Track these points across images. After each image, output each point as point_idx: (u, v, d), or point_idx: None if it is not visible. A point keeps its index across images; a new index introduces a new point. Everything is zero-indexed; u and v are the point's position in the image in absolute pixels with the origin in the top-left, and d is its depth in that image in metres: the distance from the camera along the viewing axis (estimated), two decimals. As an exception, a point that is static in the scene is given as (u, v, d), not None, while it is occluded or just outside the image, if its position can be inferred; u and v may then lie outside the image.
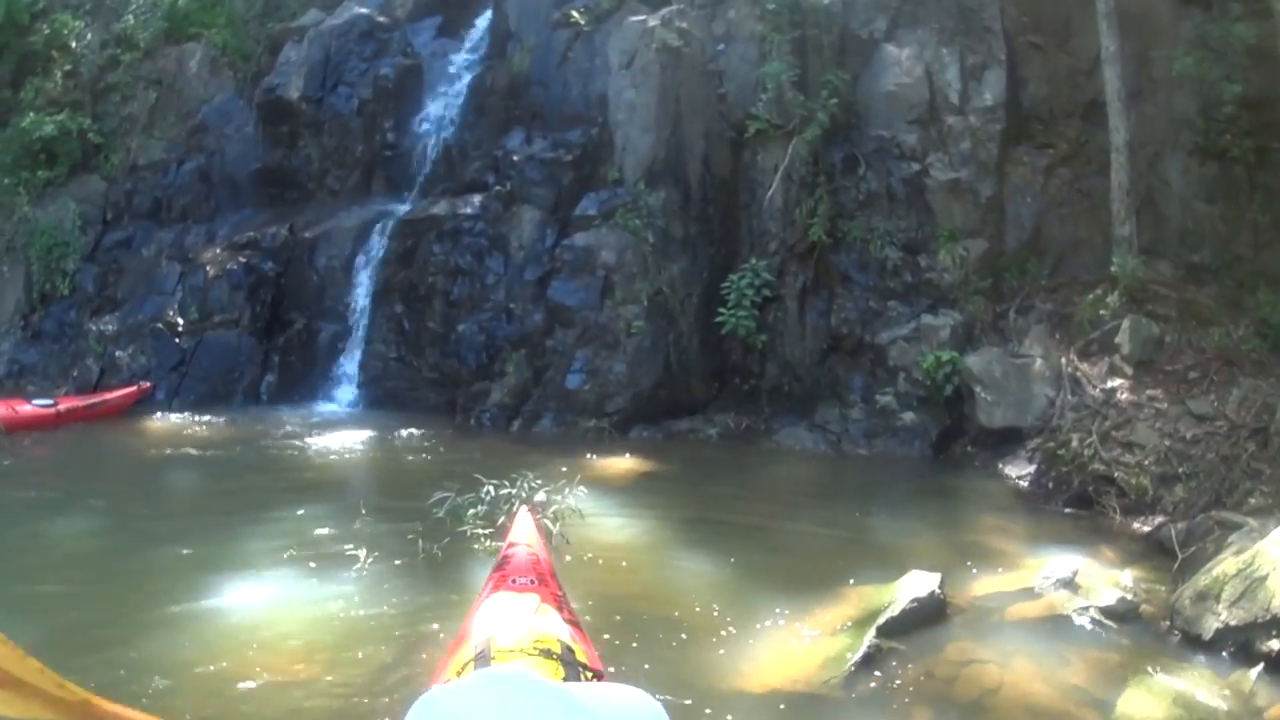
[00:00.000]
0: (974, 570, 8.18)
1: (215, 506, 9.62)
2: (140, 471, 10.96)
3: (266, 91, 15.39)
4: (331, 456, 11.56)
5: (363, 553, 7.81)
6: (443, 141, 14.57)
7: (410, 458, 11.60)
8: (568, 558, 8.09)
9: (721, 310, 13.28)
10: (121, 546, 8.52)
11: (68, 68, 16.05)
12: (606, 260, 13.11)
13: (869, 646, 6.60)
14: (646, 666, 6.28)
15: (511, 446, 12.09)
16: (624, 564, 8.29)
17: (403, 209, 14.19)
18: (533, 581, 5.18)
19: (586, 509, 8.83)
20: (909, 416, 12.55)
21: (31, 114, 15.38)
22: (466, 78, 14.95)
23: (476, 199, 13.73)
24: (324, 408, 13.58)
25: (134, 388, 13.10)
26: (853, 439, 12.59)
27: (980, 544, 9.04)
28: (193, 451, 11.61)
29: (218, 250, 14.30)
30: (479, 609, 4.95)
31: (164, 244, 15.18)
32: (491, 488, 8.64)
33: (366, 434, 12.31)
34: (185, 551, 8.14)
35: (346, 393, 13.75)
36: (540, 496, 8.80)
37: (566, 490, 8.90)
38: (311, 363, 13.93)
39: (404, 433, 12.38)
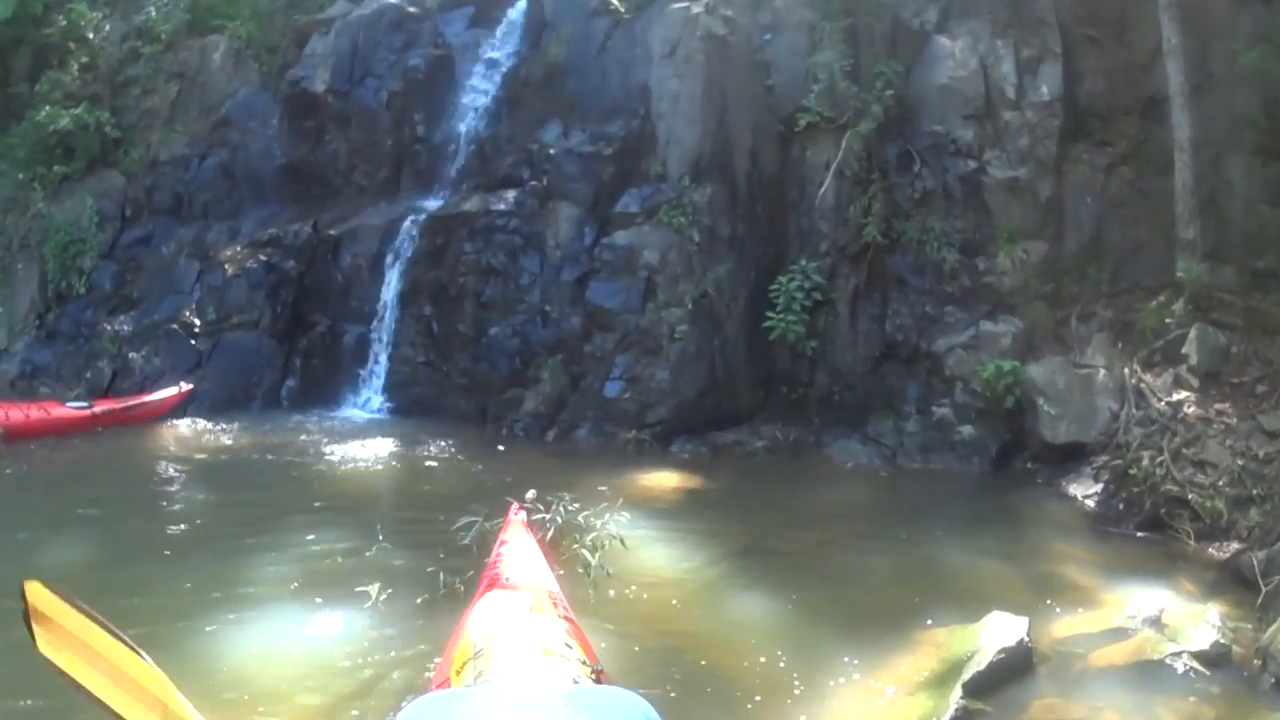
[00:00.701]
0: (1055, 608, 7.47)
1: (220, 525, 8.70)
2: (144, 483, 10.07)
3: (291, 84, 14.48)
4: (352, 469, 10.64)
5: (375, 588, 6.83)
6: (475, 135, 13.57)
7: (436, 471, 10.67)
8: (611, 592, 7.13)
9: (770, 314, 12.30)
10: (111, 568, 7.66)
11: (84, 60, 15.15)
12: (649, 260, 12.11)
13: (956, 710, 5.80)
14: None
15: (545, 459, 11.15)
16: (674, 601, 7.37)
17: (433, 205, 13.19)
18: (526, 579, 5.12)
19: (628, 535, 7.83)
20: (967, 430, 11.61)
21: (47, 107, 14.48)
22: (500, 69, 13.95)
23: (510, 195, 12.73)
24: (347, 414, 12.65)
25: (175, 391, 12.17)
26: (908, 453, 11.66)
27: (1054, 575, 8.34)
28: (204, 461, 10.74)
29: (238, 248, 13.38)
30: (474, 608, 4.84)
31: (184, 241, 14.27)
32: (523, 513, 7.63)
33: (391, 444, 11.37)
34: (180, 577, 7.30)
35: (371, 399, 12.80)
36: (577, 520, 7.81)
37: (607, 515, 7.87)
38: (335, 367, 12.99)
39: (431, 443, 11.43)
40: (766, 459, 11.67)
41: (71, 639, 3.24)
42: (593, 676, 4.14)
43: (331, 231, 13.35)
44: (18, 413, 11.44)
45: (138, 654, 3.33)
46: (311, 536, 8.17)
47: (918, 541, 9.02)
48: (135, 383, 12.47)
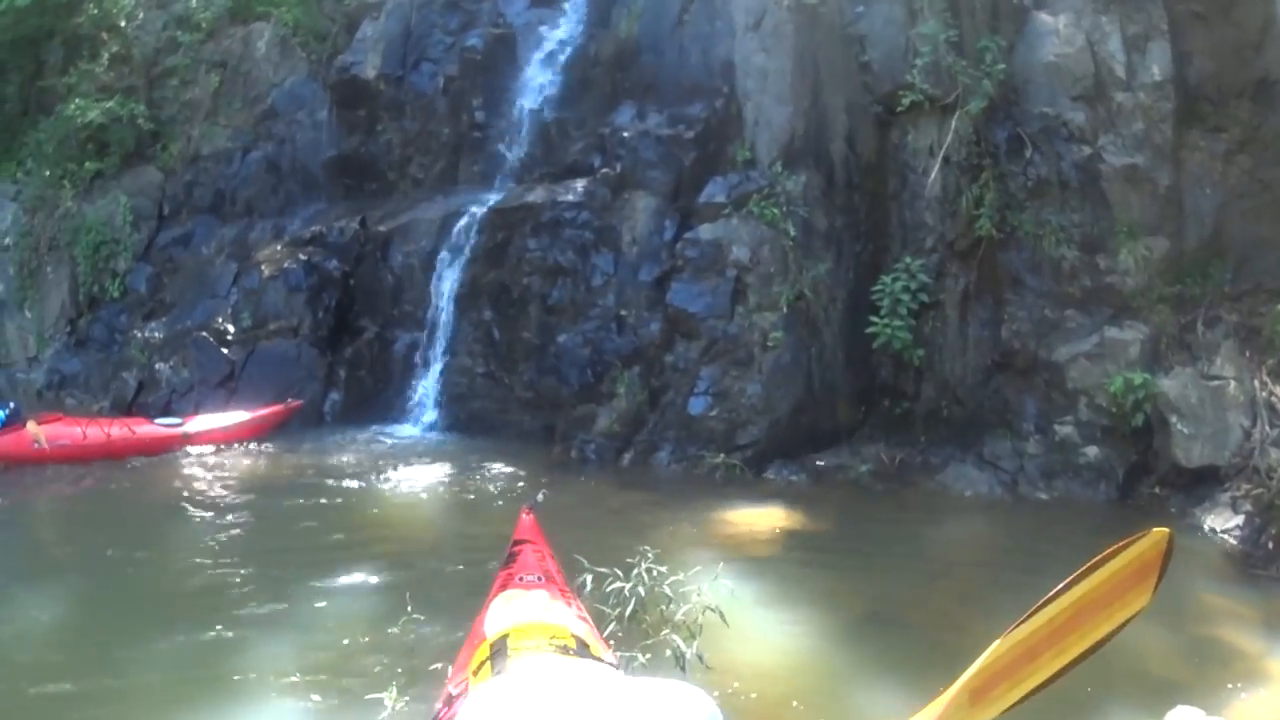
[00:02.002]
0: (1237, 690, 6.18)
1: (222, 580, 7.07)
2: (148, 519, 8.59)
3: (340, 71, 12.79)
4: (393, 502, 8.97)
5: (391, 696, 5.01)
6: (539, 120, 11.81)
7: (492, 505, 8.90)
8: (715, 693, 5.24)
9: (874, 319, 10.40)
10: (78, 634, 6.20)
11: (116, 50, 13.57)
12: (738, 257, 10.26)
13: None
14: None
15: (620, 491, 9.39)
16: (794, 703, 5.65)
17: (493, 198, 11.42)
18: (540, 579, 4.94)
19: (727, 601, 5.92)
20: (1093, 452, 9.87)
21: (77, 100, 12.95)
22: (566, 48, 12.21)
23: (580, 184, 10.94)
24: (398, 432, 10.94)
25: (281, 405, 10.66)
26: (1029, 479, 9.87)
27: (1215, 640, 7.00)
28: (224, 491, 9.12)
29: (277, 248, 11.69)
30: (489, 608, 4.65)
31: (226, 241, 12.67)
32: (589, 578, 5.76)
33: (443, 469, 9.68)
34: (157, 653, 5.83)
35: (424, 414, 11.07)
36: (663, 588, 5.94)
37: (703, 584, 5.96)
38: (384, 378, 11.29)
39: (489, 468, 9.71)
40: (873, 487, 9.84)
41: None
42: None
43: (381, 228, 11.65)
44: (96, 430, 10.02)
45: None
46: (325, 603, 6.51)
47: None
48: (162, 396, 10.86)
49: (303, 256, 11.35)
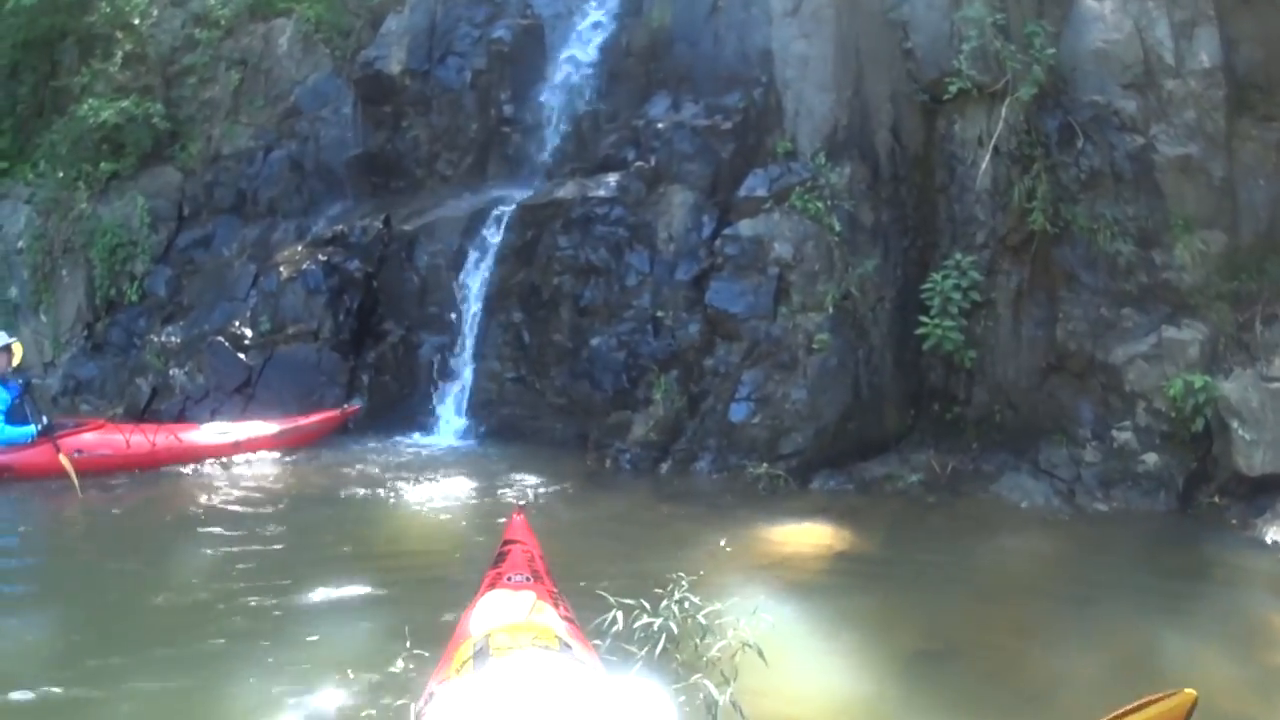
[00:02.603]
0: None
1: (211, 606, 6.39)
2: (144, 535, 7.94)
3: (364, 67, 12.12)
4: (413, 517, 8.26)
5: None
6: (570, 113, 11.10)
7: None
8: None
9: (924, 319, 9.66)
10: (47, 669, 5.45)
11: (129, 48, 12.97)
12: (780, 254, 9.52)
13: None
14: None
15: (656, 503, 8.64)
16: None
17: (522, 194, 10.72)
18: (528, 579, 4.85)
19: (767, 636, 5.18)
20: (1151, 459, 9.13)
21: (91, 100, 12.35)
22: (597, 38, 11.47)
23: (612, 179, 10.19)
24: (424, 441, 10.22)
25: (336, 411, 10.06)
26: (1087, 489, 9.12)
27: None
28: (230, 505, 8.43)
29: (298, 248, 11.02)
30: (475, 607, 4.53)
31: (247, 242, 12.04)
32: (619, 615, 5.04)
33: (469, 481, 8.95)
34: (126, 693, 5.15)
35: (452, 422, 10.36)
36: (698, 619, 5.19)
37: (741, 617, 5.22)
38: (409, 384, 10.58)
39: (518, 478, 8.97)
40: (924, 498, 9.07)
41: None
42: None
43: (406, 227, 10.94)
44: (140, 439, 9.41)
45: None
46: (317, 637, 5.77)
47: (1125, 623, 6.67)
48: (175, 403, 10.17)
49: (322, 257, 10.65)
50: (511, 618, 4.27)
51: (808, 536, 7.96)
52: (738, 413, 9.24)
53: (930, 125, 10.49)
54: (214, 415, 10.01)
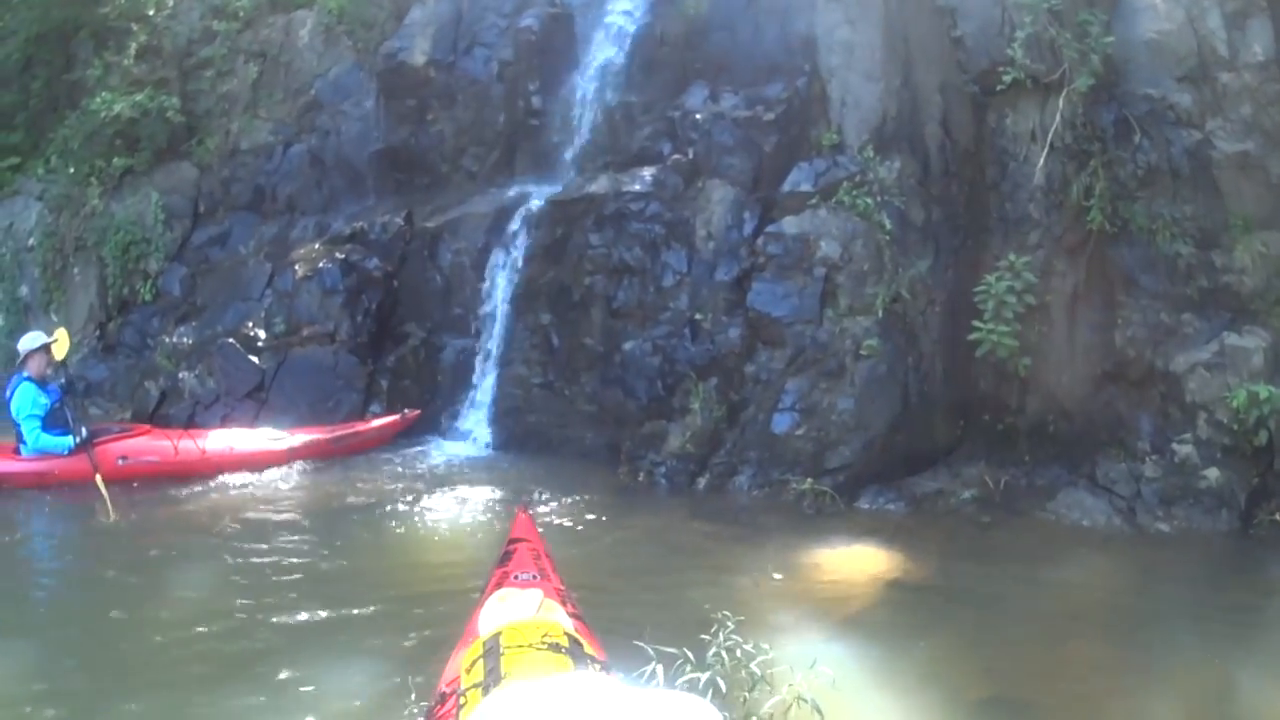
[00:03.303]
0: None
1: (201, 633, 5.77)
2: (136, 551, 7.19)
3: (387, 58, 11.33)
4: (428, 536, 7.53)
5: None
6: (602, 104, 10.29)
7: (550, 541, 7.32)
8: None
9: (977, 324, 8.82)
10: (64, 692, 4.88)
11: (144, 39, 12.25)
12: (827, 254, 8.74)
13: None
14: None
15: (693, 522, 7.88)
16: None
17: (552, 190, 9.94)
18: (535, 577, 4.74)
19: (823, 685, 4.52)
20: (1213, 474, 8.38)
21: (104, 93, 11.66)
22: (630, 27, 10.64)
23: (648, 173, 9.40)
24: (445, 449, 9.47)
25: (396, 416, 9.36)
26: (1148, 506, 8.33)
27: None
28: (236, 520, 7.70)
29: (315, 246, 10.27)
30: (484, 606, 4.42)
31: (265, 240, 11.32)
32: (658, 669, 4.38)
33: (492, 494, 8.22)
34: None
35: (476, 430, 9.60)
36: (750, 667, 4.55)
37: (796, 672, 4.52)
38: (430, 389, 9.82)
39: (545, 492, 8.20)
40: (978, 517, 8.28)
41: None
42: (602, 673, 3.62)
43: (428, 223, 10.18)
44: (190, 444, 8.71)
45: None
46: (309, 685, 5.08)
47: (1198, 661, 6.08)
48: (184, 407, 9.43)
49: (340, 255, 9.88)
50: (520, 615, 4.17)
51: (859, 563, 7.19)
52: (781, 423, 8.45)
53: (980, 118, 9.61)
54: (224, 421, 9.29)
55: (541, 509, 7.84)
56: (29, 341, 8.81)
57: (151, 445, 8.68)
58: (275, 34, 12.37)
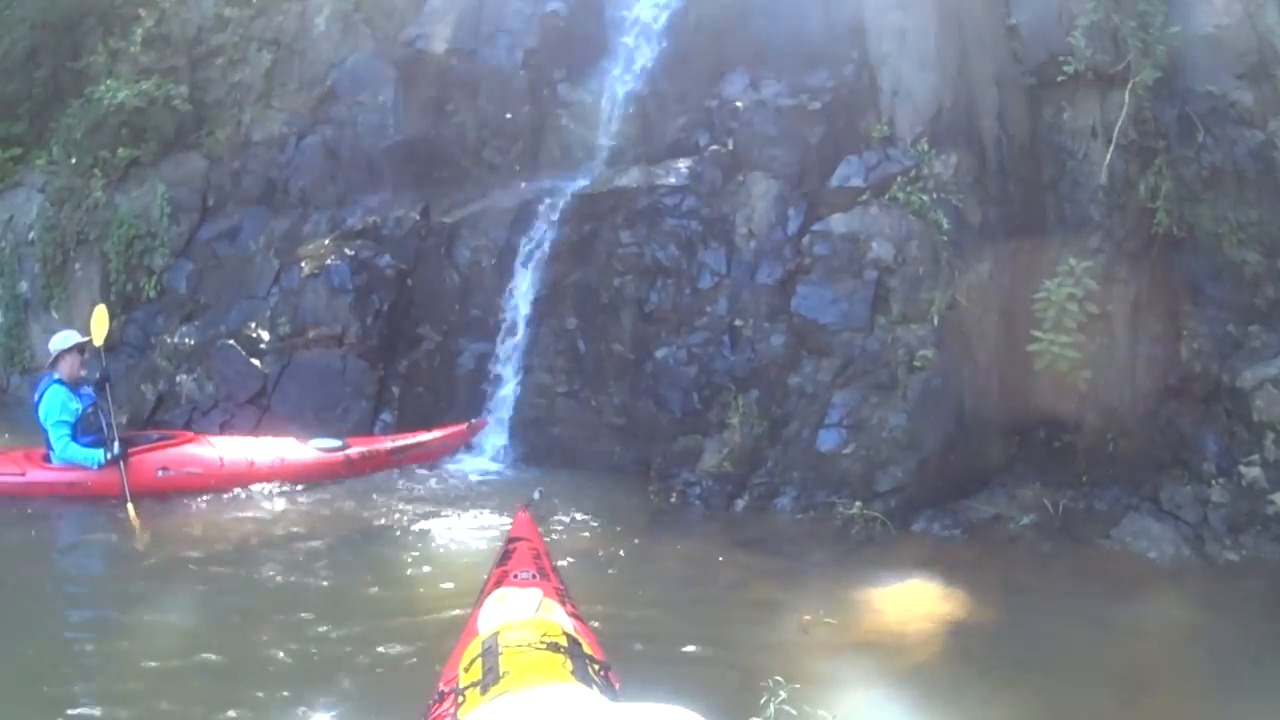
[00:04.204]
0: None
1: (170, 679, 4.89)
2: (107, 577, 6.51)
3: (406, 46, 10.39)
4: (444, 562, 6.58)
5: None
6: (633, 93, 9.32)
7: (571, 572, 6.30)
8: None
9: (1037, 334, 7.89)
10: None
11: (150, 25, 11.32)
12: (879, 255, 7.79)
13: None
14: None
15: (732, 551, 6.90)
16: None
17: (580, 184, 8.99)
18: (534, 576, 4.63)
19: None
20: None
21: (108, 81, 10.76)
22: (663, 12, 9.68)
23: (683, 165, 8.44)
24: (461, 463, 8.52)
25: (462, 426, 8.48)
26: (1215, 534, 7.45)
27: None
28: (226, 541, 6.85)
29: (325, 241, 9.33)
30: (483, 605, 4.27)
31: (276, 235, 10.36)
32: None
33: (510, 520, 7.17)
34: None
35: (495, 442, 8.65)
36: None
37: None
38: (446, 397, 8.86)
39: (569, 515, 7.28)
40: (1039, 546, 7.33)
41: None
42: (600, 672, 3.55)
43: (446, 219, 9.23)
44: (237, 454, 7.84)
45: None
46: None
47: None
48: (181, 413, 8.49)
49: (349, 251, 8.94)
50: (519, 614, 4.07)
51: (916, 602, 6.25)
52: (827, 440, 7.50)
53: (1035, 113, 8.73)
54: (223, 429, 8.36)
55: (563, 532, 6.95)
56: (61, 341, 7.92)
57: (195, 455, 7.79)
58: (290, 21, 11.38)
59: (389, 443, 8.22)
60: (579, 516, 7.19)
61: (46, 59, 11.95)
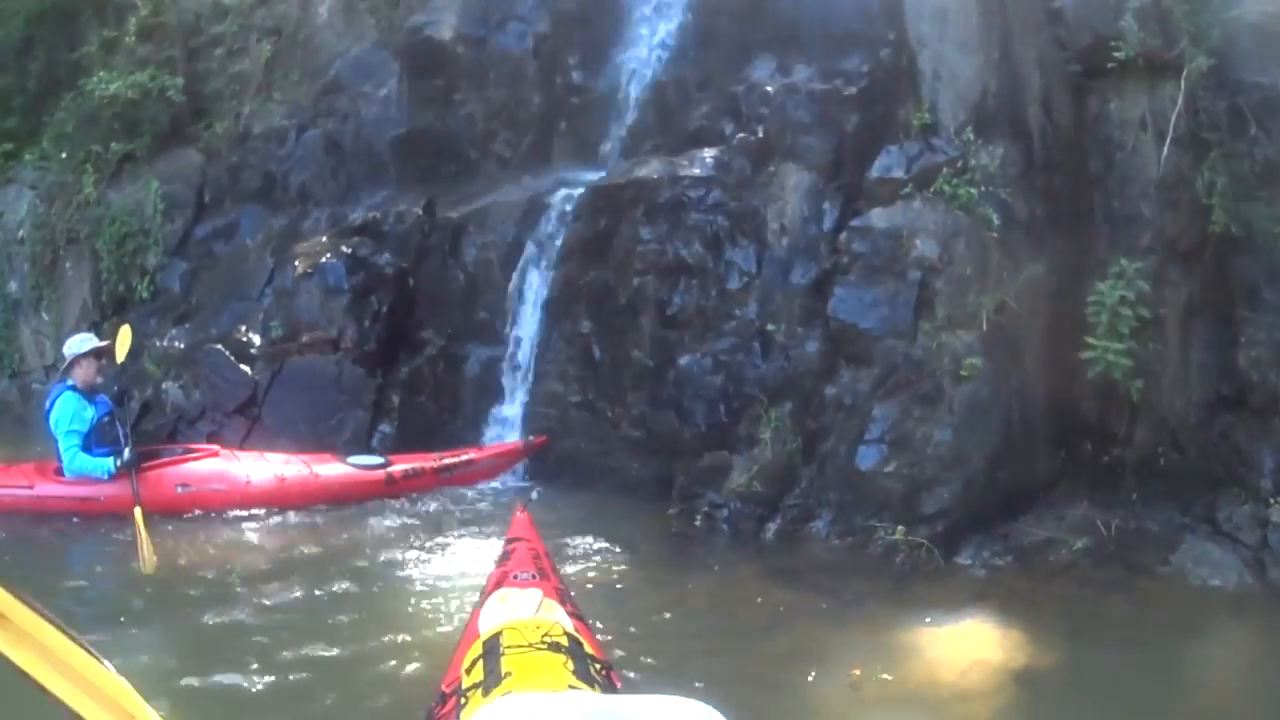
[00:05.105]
0: None
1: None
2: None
3: (412, 33, 9.48)
4: (441, 591, 5.65)
5: None
6: (652, 80, 8.39)
7: (585, 605, 5.38)
8: None
9: (1090, 340, 6.89)
10: None
11: (145, 13, 10.50)
12: (923, 254, 6.78)
13: None
14: None
15: (763, 584, 5.94)
16: None
17: (595, 176, 8.05)
18: (534, 576, 4.42)
19: None
20: None
21: (101, 73, 9.96)
22: (682, -5, 8.84)
23: (708, 155, 7.46)
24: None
25: (518, 443, 7.56)
26: (1276, 557, 6.47)
27: None
28: (195, 567, 5.91)
29: (322, 239, 8.41)
30: (484, 606, 4.13)
31: (274, 232, 9.54)
32: None
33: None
34: None
35: (502, 454, 7.71)
36: None
37: None
38: (450, 407, 7.94)
39: (580, 539, 6.30)
40: (1095, 575, 6.34)
41: (28, 638, 2.55)
42: (602, 672, 3.44)
43: (451, 214, 8.30)
44: (266, 471, 6.92)
45: (98, 660, 2.57)
46: None
47: None
48: (166, 422, 7.54)
49: (346, 249, 7.98)
50: (520, 614, 3.94)
51: (973, 645, 5.30)
52: (867, 458, 6.52)
53: (1080, 102, 7.72)
54: (209, 439, 7.43)
55: (572, 560, 6.00)
56: (77, 344, 7.04)
57: (219, 471, 6.89)
58: (291, 10, 10.56)
59: (435, 461, 7.29)
60: (590, 542, 6.25)
61: (41, 52, 11.15)
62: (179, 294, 9.56)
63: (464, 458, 7.38)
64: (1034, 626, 5.51)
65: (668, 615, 5.38)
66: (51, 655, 2.56)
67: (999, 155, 7.30)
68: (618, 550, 6.18)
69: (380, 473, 7.10)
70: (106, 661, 2.59)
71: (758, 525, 6.57)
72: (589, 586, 5.63)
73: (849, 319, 6.79)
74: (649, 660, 4.79)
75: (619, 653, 4.64)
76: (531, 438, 7.54)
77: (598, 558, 6.10)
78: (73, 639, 2.58)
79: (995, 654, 5.24)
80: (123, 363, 7.11)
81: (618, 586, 5.74)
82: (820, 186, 7.22)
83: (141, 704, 2.60)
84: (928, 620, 5.49)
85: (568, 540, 6.23)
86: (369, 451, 7.40)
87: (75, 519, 6.67)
